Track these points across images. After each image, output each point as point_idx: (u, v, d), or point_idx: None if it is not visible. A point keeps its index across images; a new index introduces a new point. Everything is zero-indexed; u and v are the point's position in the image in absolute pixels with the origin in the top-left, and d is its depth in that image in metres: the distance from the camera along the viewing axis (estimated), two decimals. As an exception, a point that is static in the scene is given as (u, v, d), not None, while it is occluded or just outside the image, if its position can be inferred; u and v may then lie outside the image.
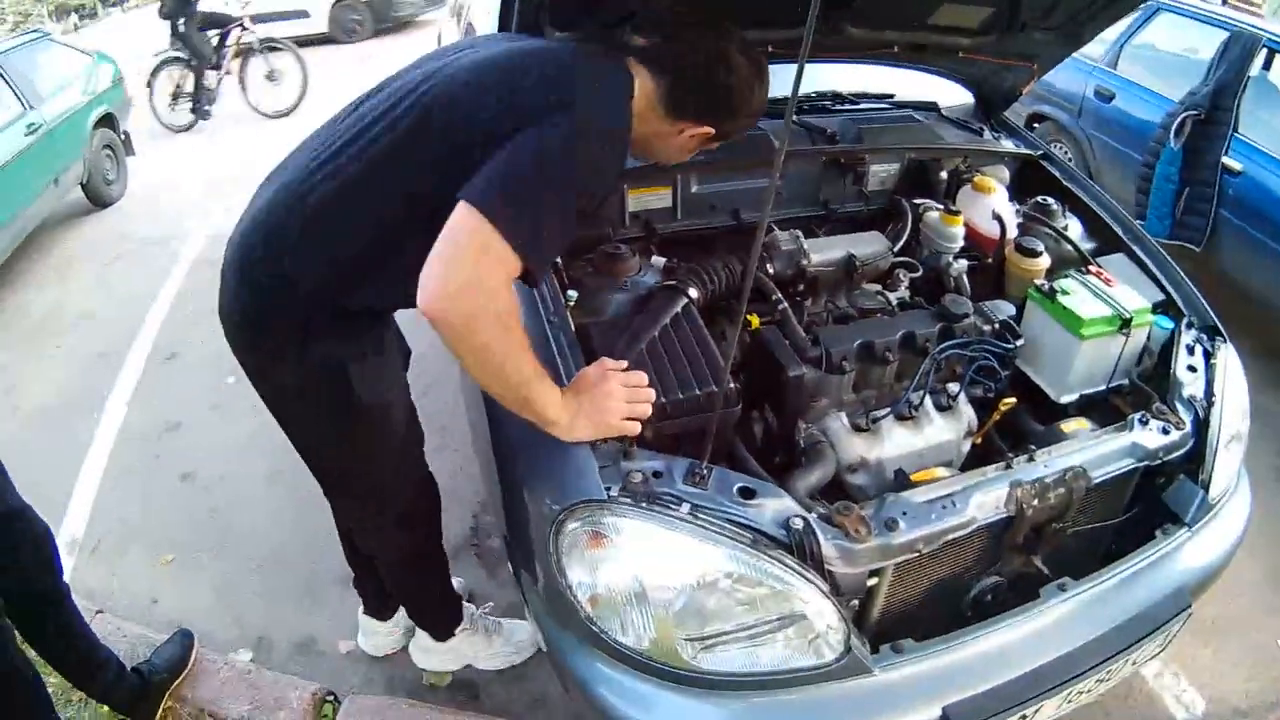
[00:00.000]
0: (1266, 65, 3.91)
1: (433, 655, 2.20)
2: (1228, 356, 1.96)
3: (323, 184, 1.36)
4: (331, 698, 2.13)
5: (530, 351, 1.29)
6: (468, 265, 1.15)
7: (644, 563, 1.34)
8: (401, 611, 2.21)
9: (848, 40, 2.02)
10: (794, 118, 2.31)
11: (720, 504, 1.34)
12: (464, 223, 1.16)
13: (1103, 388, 1.96)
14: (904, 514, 1.42)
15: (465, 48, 1.48)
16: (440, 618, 2.13)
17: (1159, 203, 4.05)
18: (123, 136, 6.00)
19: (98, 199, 5.66)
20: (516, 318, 1.24)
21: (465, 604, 2.20)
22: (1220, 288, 3.86)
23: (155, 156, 6.52)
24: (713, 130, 1.47)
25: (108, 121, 5.73)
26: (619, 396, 1.40)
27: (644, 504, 1.32)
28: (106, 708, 2.04)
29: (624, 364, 1.49)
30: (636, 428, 1.41)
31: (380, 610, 2.22)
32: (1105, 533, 1.78)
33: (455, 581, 2.28)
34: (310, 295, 1.40)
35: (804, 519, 1.35)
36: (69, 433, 3.26)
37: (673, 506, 1.32)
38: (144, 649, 2.17)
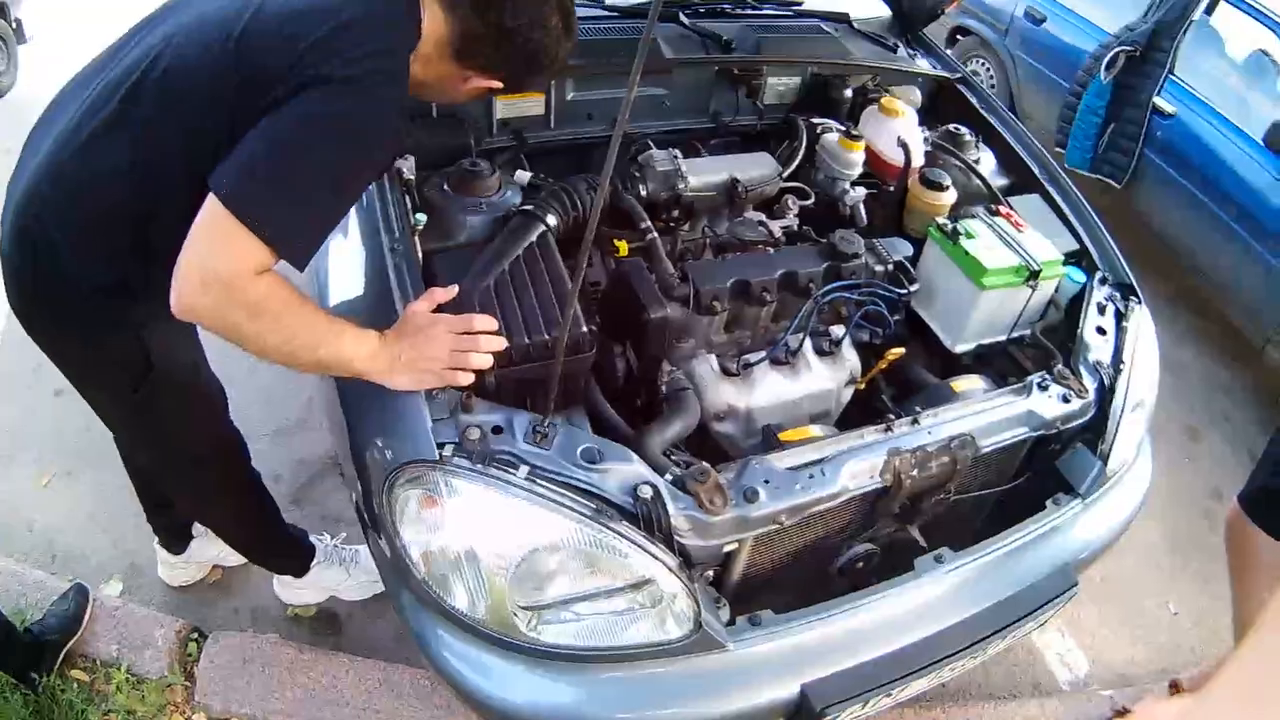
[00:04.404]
0: (1209, 9, 3.94)
1: (293, 590, 2.29)
2: (1141, 319, 1.94)
3: (98, 141, 1.29)
4: (196, 635, 2.19)
5: (314, 316, 1.26)
6: (209, 259, 1.13)
7: (477, 529, 1.30)
8: (195, 545, 2.28)
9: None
10: (686, 23, 2.22)
11: (563, 467, 1.29)
12: (206, 215, 1.14)
13: (1002, 339, 1.95)
14: (766, 482, 1.38)
15: None
16: (285, 560, 2.21)
17: (1081, 134, 4.13)
18: (14, 24, 5.47)
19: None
20: (281, 300, 1.19)
21: (316, 538, 2.28)
22: (1137, 228, 3.97)
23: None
24: (501, 84, 1.42)
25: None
26: (444, 343, 1.33)
27: (479, 466, 1.26)
28: None
29: (453, 292, 1.43)
30: (463, 379, 1.34)
31: (171, 544, 2.27)
32: (989, 500, 1.79)
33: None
34: (100, 261, 1.37)
35: (653, 487, 1.30)
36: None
37: (509, 470, 1.26)
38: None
